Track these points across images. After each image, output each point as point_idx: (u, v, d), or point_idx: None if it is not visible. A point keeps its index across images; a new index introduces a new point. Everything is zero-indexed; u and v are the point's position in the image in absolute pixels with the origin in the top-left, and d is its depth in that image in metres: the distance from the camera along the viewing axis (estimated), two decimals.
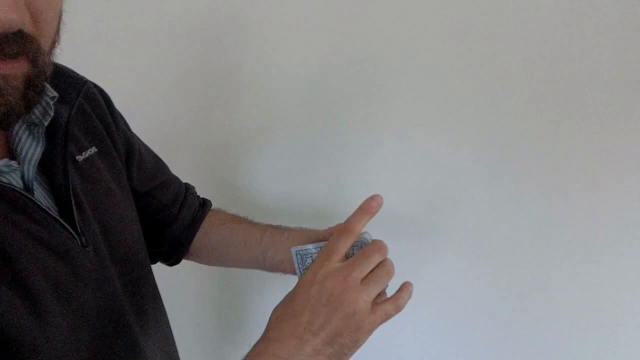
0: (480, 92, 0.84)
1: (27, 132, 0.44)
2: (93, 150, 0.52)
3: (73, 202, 0.45)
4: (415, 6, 0.83)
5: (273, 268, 0.63)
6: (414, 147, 0.89)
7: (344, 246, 0.49)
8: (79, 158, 0.50)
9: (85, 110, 0.54)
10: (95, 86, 0.58)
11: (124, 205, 0.55)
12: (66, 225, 0.43)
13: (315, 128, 0.94)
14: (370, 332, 0.46)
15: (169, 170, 0.70)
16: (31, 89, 0.36)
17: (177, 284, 0.97)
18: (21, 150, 0.43)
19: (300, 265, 0.53)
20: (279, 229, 0.65)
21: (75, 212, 0.45)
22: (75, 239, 0.44)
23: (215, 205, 0.75)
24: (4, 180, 0.40)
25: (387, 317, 0.48)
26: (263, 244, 0.63)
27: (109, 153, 0.55)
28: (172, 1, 0.91)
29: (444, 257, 0.92)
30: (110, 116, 0.58)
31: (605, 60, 0.77)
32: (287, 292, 0.49)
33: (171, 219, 0.67)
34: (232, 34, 0.93)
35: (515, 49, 0.81)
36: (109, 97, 0.60)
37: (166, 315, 0.62)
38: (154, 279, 0.61)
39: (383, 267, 0.48)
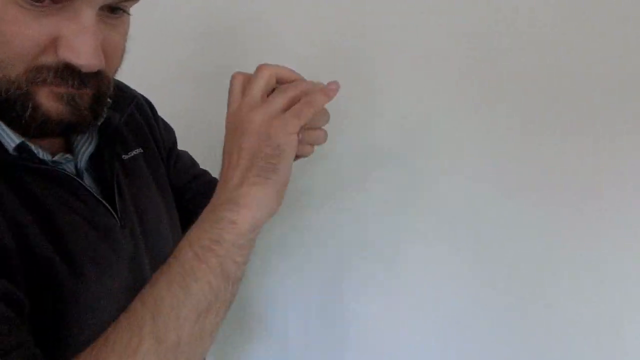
0: (479, 92, 0.84)
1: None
2: (139, 151, 0.61)
3: (115, 190, 0.54)
4: (415, 9, 0.84)
5: None
6: (413, 148, 0.90)
7: (261, 80, 0.47)
8: (125, 157, 0.59)
9: (135, 117, 0.64)
10: (144, 98, 0.69)
11: (160, 200, 0.63)
12: (108, 207, 0.51)
13: None
14: (285, 135, 0.44)
15: (199, 166, 0.81)
16: (96, 104, 0.47)
17: None
18: (77, 145, 0.52)
19: None
20: None
21: (116, 198, 0.53)
22: (116, 219, 0.52)
23: None
24: (60, 168, 0.49)
25: (300, 115, 0.45)
26: None
27: (152, 154, 0.65)
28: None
29: (443, 259, 0.92)
30: (155, 122, 0.68)
31: (605, 61, 0.77)
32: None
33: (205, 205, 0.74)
34: (234, 35, 0.94)
35: (514, 50, 0.81)
36: (154, 107, 0.71)
37: None
38: None
39: (305, 96, 0.47)
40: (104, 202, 0.51)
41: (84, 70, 0.41)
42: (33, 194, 0.45)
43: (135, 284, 0.53)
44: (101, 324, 0.46)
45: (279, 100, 0.46)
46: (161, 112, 0.95)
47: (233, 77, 0.49)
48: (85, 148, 0.52)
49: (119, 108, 0.55)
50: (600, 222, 0.81)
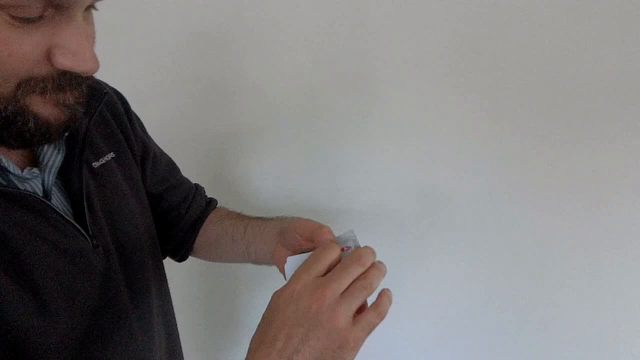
0: (479, 94, 0.83)
1: None
2: (110, 155, 0.56)
3: (86, 207, 0.49)
4: (414, 11, 0.83)
5: (258, 261, 0.65)
6: (412, 149, 0.89)
7: (325, 261, 0.44)
8: (95, 164, 0.53)
9: (105, 117, 0.58)
10: (116, 92, 0.62)
11: (135, 209, 0.58)
12: (79, 228, 0.47)
13: (313, 129, 0.94)
14: (356, 348, 0.42)
15: (180, 173, 0.73)
16: (82, 100, 0.44)
17: (181, 282, 0.97)
18: (43, 158, 0.47)
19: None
20: (259, 221, 0.67)
21: (87, 215, 0.49)
22: (87, 240, 0.48)
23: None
24: (27, 187, 0.45)
25: (371, 327, 0.43)
26: (246, 238, 0.65)
27: (125, 157, 0.59)
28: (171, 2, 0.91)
29: (443, 261, 0.91)
30: (128, 121, 0.61)
31: (606, 64, 0.77)
32: None
33: (179, 218, 0.70)
34: (231, 39, 0.93)
35: (514, 51, 0.80)
36: (127, 103, 0.63)
37: (173, 313, 0.65)
38: (164, 278, 0.63)
39: (363, 280, 0.44)
40: (73, 222, 0.47)
41: (84, 75, 0.40)
42: None
43: (110, 308, 0.49)
44: (65, 348, 0.43)
45: (356, 302, 0.42)
46: (164, 117, 0.93)
47: (332, 249, 0.45)
48: (53, 160, 0.48)
49: (86, 110, 0.49)
50: (601, 223, 0.81)
